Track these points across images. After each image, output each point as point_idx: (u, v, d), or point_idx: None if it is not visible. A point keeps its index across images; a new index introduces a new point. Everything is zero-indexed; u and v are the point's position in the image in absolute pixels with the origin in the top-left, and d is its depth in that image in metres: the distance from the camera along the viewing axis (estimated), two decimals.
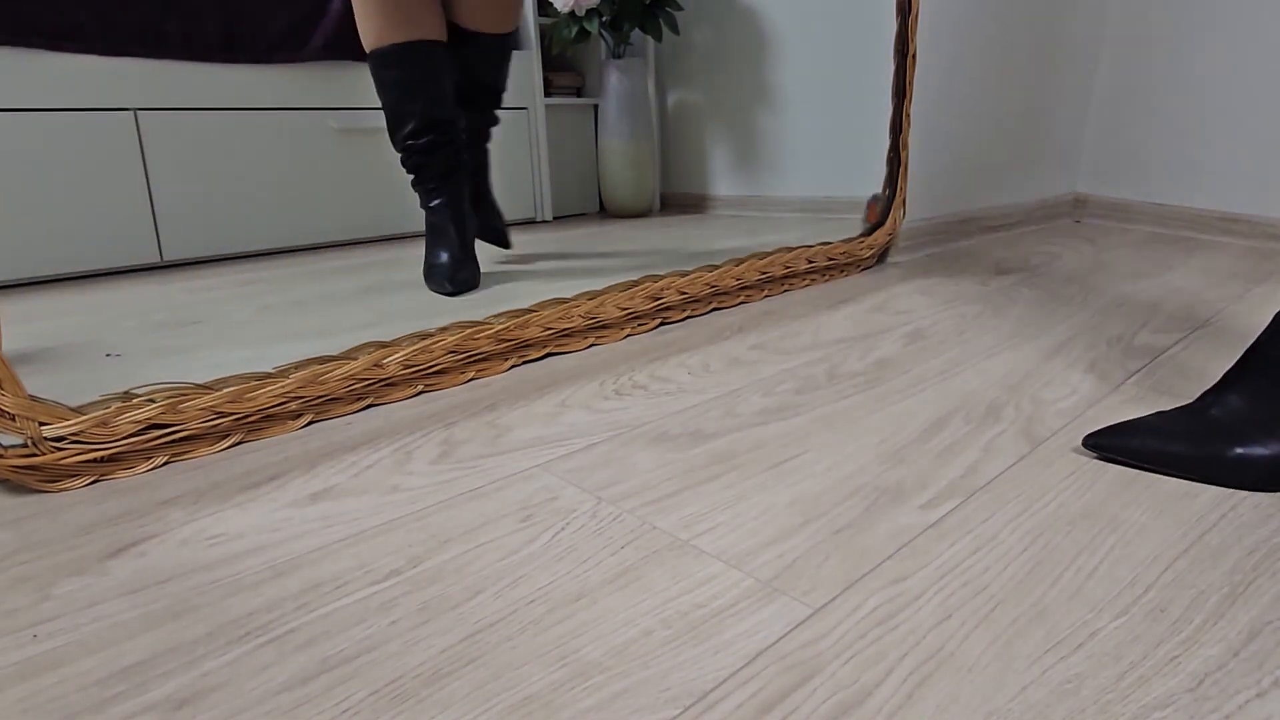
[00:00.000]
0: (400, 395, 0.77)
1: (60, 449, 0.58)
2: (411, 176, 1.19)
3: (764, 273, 1.13)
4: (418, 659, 0.39)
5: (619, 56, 2.22)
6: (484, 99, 1.27)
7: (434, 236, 1.20)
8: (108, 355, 0.94)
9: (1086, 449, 0.59)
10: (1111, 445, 0.58)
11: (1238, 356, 0.81)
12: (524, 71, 1.96)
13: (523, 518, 0.53)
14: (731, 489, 0.56)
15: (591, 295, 0.92)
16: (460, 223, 1.20)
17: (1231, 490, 0.53)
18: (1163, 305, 1.03)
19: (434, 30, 1.13)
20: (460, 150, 1.19)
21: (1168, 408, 0.68)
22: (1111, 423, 0.64)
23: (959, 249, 1.56)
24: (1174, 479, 0.55)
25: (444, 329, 0.80)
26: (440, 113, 1.16)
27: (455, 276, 1.14)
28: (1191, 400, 0.59)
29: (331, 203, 1.82)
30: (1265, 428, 0.53)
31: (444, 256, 1.17)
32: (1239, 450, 0.54)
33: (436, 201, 1.19)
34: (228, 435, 0.67)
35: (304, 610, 0.43)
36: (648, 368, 0.84)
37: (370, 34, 1.13)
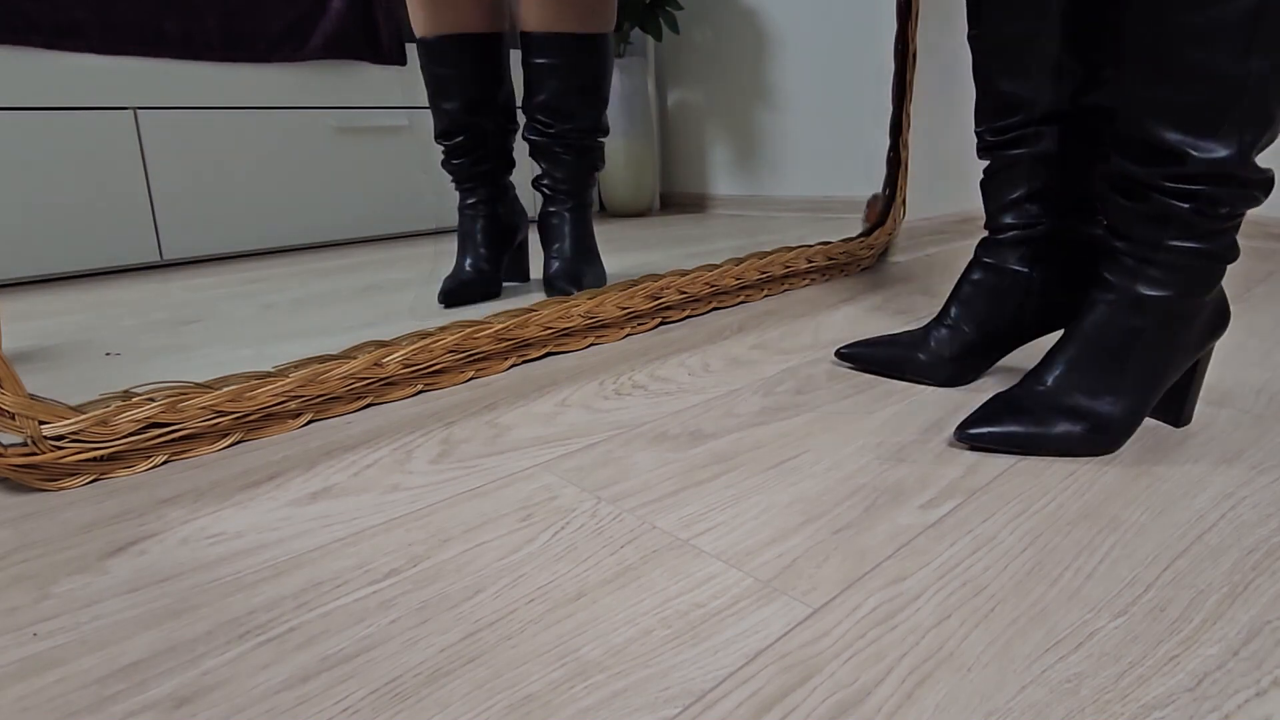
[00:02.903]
0: (400, 394, 0.77)
1: (60, 448, 0.58)
2: (450, 177, 1.14)
3: (764, 272, 1.13)
4: (417, 658, 0.39)
5: (619, 56, 2.22)
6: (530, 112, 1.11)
7: (459, 243, 1.15)
8: (107, 354, 0.94)
9: (959, 439, 0.61)
10: (980, 436, 0.61)
11: (1237, 357, 0.81)
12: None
13: (522, 517, 0.53)
14: (731, 489, 0.56)
15: (591, 295, 0.92)
16: (487, 230, 1.13)
17: (1231, 490, 0.53)
18: None
19: (479, 22, 1.04)
20: (495, 155, 1.11)
21: None
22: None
23: (959, 249, 1.56)
24: (1173, 479, 0.55)
25: (444, 328, 0.80)
26: (475, 114, 1.08)
27: (452, 291, 1.10)
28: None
29: (331, 202, 1.83)
30: (1093, 400, 0.60)
31: (466, 266, 1.13)
32: (1064, 428, 0.59)
33: (469, 201, 1.13)
34: (228, 434, 0.67)
35: (304, 609, 0.43)
36: (648, 367, 0.84)
37: (416, 23, 1.06)
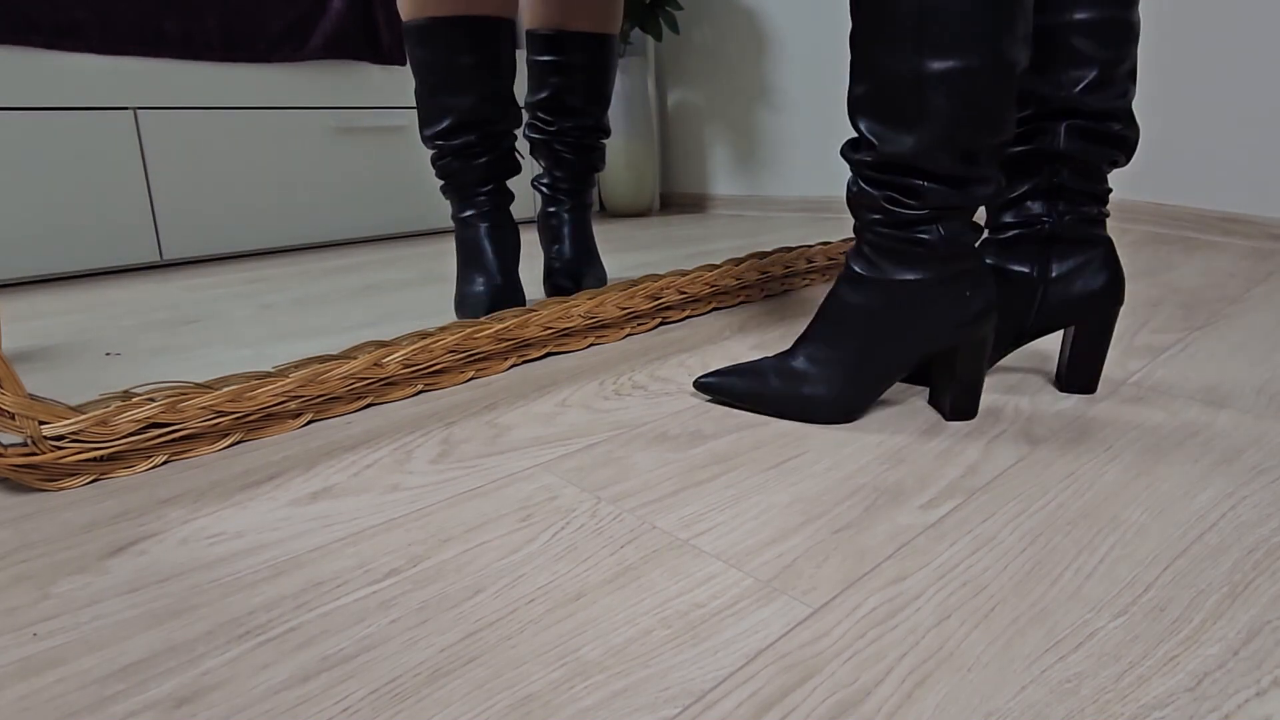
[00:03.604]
0: (400, 394, 0.77)
1: (60, 448, 0.58)
2: (441, 182, 0.99)
3: (764, 273, 1.13)
4: (417, 658, 0.39)
5: (619, 56, 2.22)
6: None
7: (465, 257, 0.98)
8: (107, 354, 0.94)
9: (697, 390, 0.72)
10: (713, 386, 0.71)
11: (1237, 357, 0.81)
12: (523, 71, 1.96)
13: (522, 517, 0.53)
14: (731, 489, 0.56)
15: (591, 295, 0.92)
16: (499, 240, 0.98)
17: (1231, 490, 0.53)
18: (1163, 305, 1.03)
19: (486, 3, 0.90)
20: (506, 158, 0.98)
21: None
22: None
23: None
24: (1173, 479, 0.55)
25: (444, 328, 0.80)
26: (484, 110, 0.94)
27: (492, 310, 0.93)
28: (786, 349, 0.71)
29: (331, 202, 1.83)
30: (826, 371, 0.66)
31: (480, 284, 0.96)
32: (805, 391, 0.67)
33: (468, 213, 0.97)
34: (227, 434, 0.67)
35: (303, 609, 0.43)
36: (648, 368, 0.84)
37: (404, 2, 0.91)
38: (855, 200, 0.64)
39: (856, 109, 0.61)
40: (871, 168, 0.62)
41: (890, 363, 0.65)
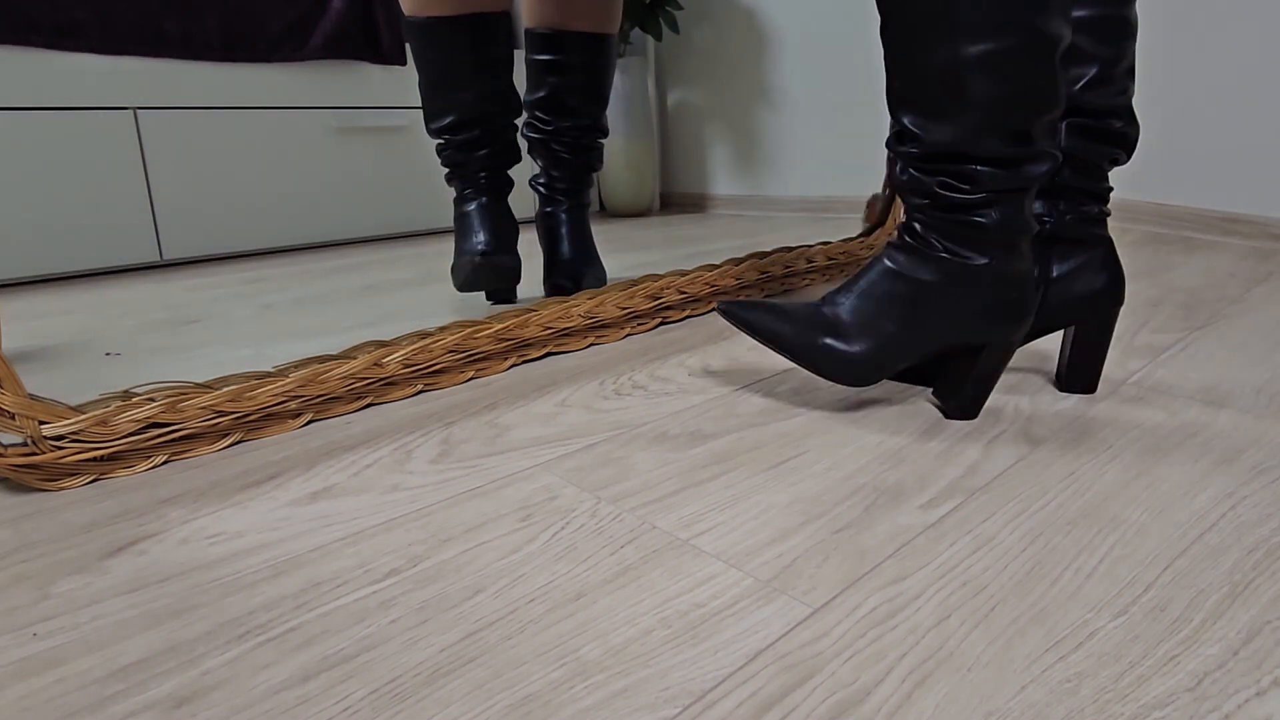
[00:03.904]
0: (400, 394, 0.77)
1: (60, 448, 0.58)
2: (445, 170, 1.04)
3: (764, 273, 1.13)
4: (417, 658, 0.39)
5: (619, 56, 2.22)
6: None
7: (461, 229, 1.03)
8: (108, 354, 0.94)
9: (720, 313, 0.70)
10: (736, 313, 0.69)
11: (1237, 357, 0.81)
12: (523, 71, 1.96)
13: (522, 517, 0.53)
14: (731, 489, 0.56)
15: (591, 295, 0.92)
16: (494, 212, 1.02)
17: (1231, 490, 0.53)
18: (1163, 305, 1.03)
19: (486, 1, 0.93)
20: (508, 148, 1.02)
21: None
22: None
23: None
24: (1173, 479, 0.55)
25: (444, 328, 0.80)
26: (485, 106, 0.98)
27: (481, 272, 0.97)
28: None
29: (331, 203, 1.83)
30: (854, 330, 0.64)
31: (474, 242, 1.00)
32: (828, 341, 0.65)
33: (467, 191, 1.02)
34: (227, 434, 0.67)
35: (303, 609, 0.43)
36: (648, 368, 0.84)
37: (418, 1, 0.94)
38: (907, 187, 0.63)
39: (897, 103, 0.60)
40: (920, 159, 0.61)
41: (919, 340, 0.63)
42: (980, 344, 0.63)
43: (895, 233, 0.65)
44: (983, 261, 0.61)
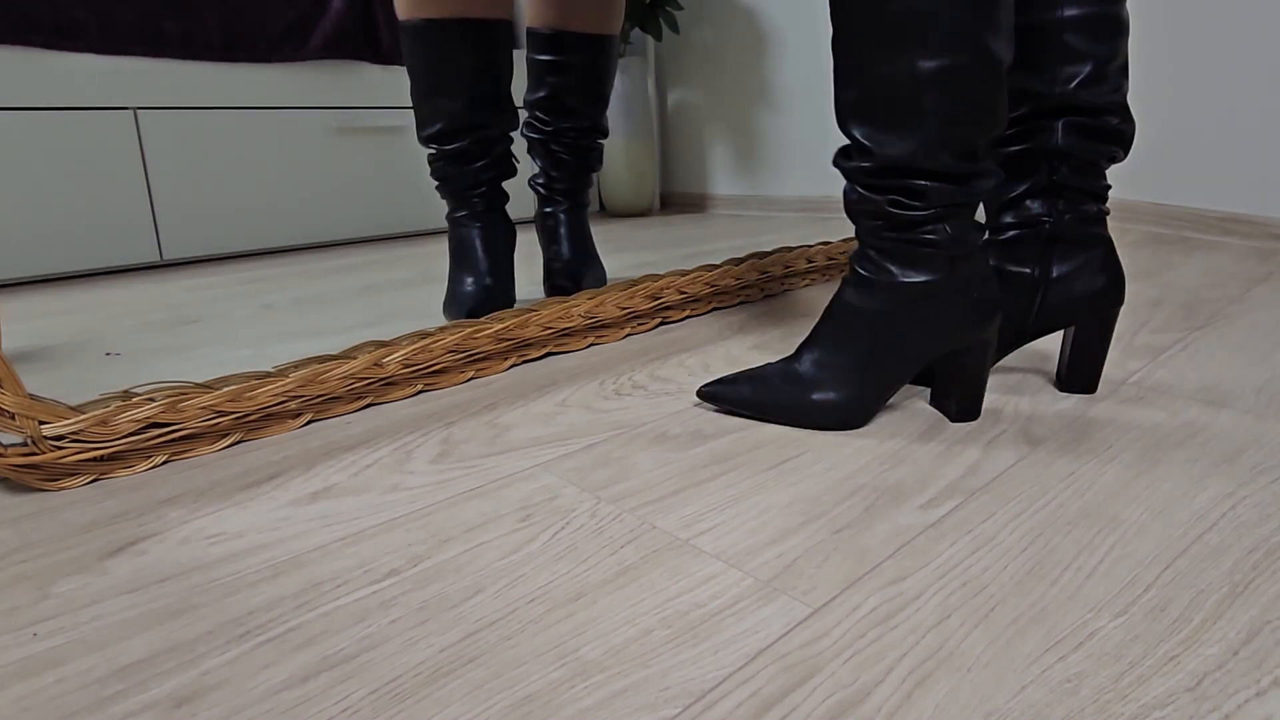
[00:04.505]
0: (400, 394, 0.77)
1: (60, 448, 0.58)
2: (436, 183, 0.99)
3: (764, 272, 1.13)
4: (417, 658, 0.39)
5: (619, 56, 2.22)
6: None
7: (456, 256, 0.99)
8: (107, 354, 0.94)
9: (701, 399, 0.70)
10: (719, 395, 0.69)
11: (1237, 357, 0.81)
12: (523, 71, 1.96)
13: (522, 517, 0.53)
14: (731, 489, 0.56)
15: (591, 295, 0.92)
16: (490, 240, 0.98)
17: (1231, 490, 0.53)
18: (1163, 305, 1.03)
19: (481, 5, 0.90)
20: (500, 161, 0.98)
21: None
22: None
23: None
24: (1173, 479, 0.55)
25: (444, 328, 0.80)
26: (476, 115, 0.94)
27: (478, 310, 0.92)
28: (789, 355, 0.69)
29: (331, 203, 1.83)
30: (835, 377, 0.65)
31: (468, 284, 0.96)
32: (813, 397, 0.65)
33: (461, 214, 0.99)
34: (227, 434, 0.67)
35: (303, 609, 0.43)
36: (648, 368, 0.84)
37: (409, 3, 0.91)
38: (855, 207, 0.63)
39: (847, 115, 0.61)
40: (870, 174, 0.61)
41: (899, 366, 0.64)
42: (960, 348, 0.64)
43: (849, 266, 0.65)
44: (939, 277, 0.61)
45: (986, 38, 0.55)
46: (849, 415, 0.65)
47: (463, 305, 0.95)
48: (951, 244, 0.60)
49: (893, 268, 0.62)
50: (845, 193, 0.64)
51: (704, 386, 0.70)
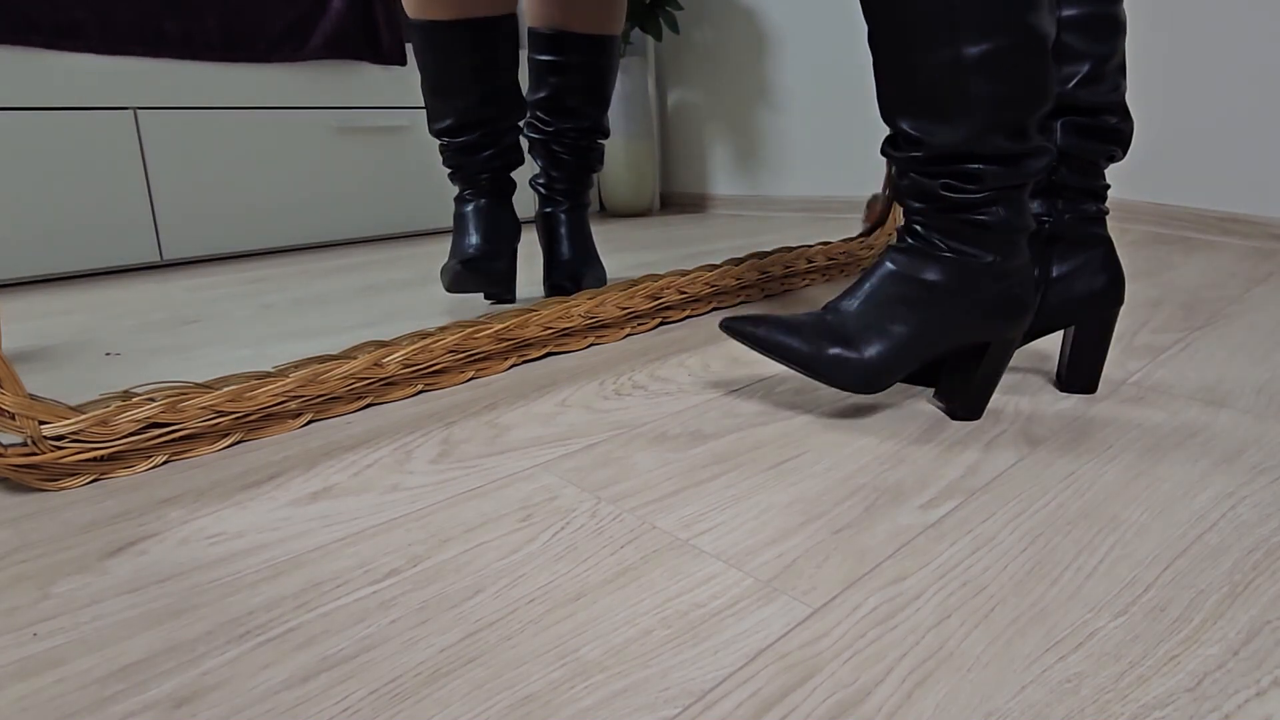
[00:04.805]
0: (400, 394, 0.77)
1: (60, 448, 0.58)
2: (449, 170, 1.04)
3: (764, 273, 1.13)
4: (417, 658, 0.39)
5: (620, 56, 2.22)
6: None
7: (457, 229, 1.03)
8: (107, 354, 0.94)
9: (721, 329, 0.69)
10: (739, 329, 0.67)
11: (1237, 357, 0.81)
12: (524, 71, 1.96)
13: (522, 517, 0.53)
14: (731, 489, 0.56)
15: (591, 295, 0.92)
16: (490, 213, 1.02)
17: (1231, 490, 0.53)
18: (1163, 305, 1.03)
19: (484, 4, 0.93)
20: (509, 150, 1.02)
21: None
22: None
23: None
24: (1173, 479, 0.55)
25: (444, 328, 0.80)
26: (486, 109, 0.98)
27: (473, 266, 0.96)
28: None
29: (331, 203, 1.83)
30: (862, 335, 0.63)
31: (464, 247, 1.00)
32: (835, 350, 0.63)
33: (468, 191, 1.03)
34: (227, 434, 0.67)
35: (303, 609, 0.43)
36: (648, 368, 0.84)
37: (418, 3, 0.94)
38: (908, 192, 0.62)
39: (893, 109, 0.60)
40: (921, 163, 0.60)
41: (929, 341, 0.63)
42: (985, 342, 0.63)
43: (895, 235, 0.65)
44: (987, 259, 0.61)
45: (1029, 15, 0.54)
46: (867, 377, 0.63)
47: (450, 271, 0.99)
48: (1002, 226, 0.60)
49: (942, 242, 0.61)
50: (895, 178, 0.63)
51: (727, 319, 0.68)
